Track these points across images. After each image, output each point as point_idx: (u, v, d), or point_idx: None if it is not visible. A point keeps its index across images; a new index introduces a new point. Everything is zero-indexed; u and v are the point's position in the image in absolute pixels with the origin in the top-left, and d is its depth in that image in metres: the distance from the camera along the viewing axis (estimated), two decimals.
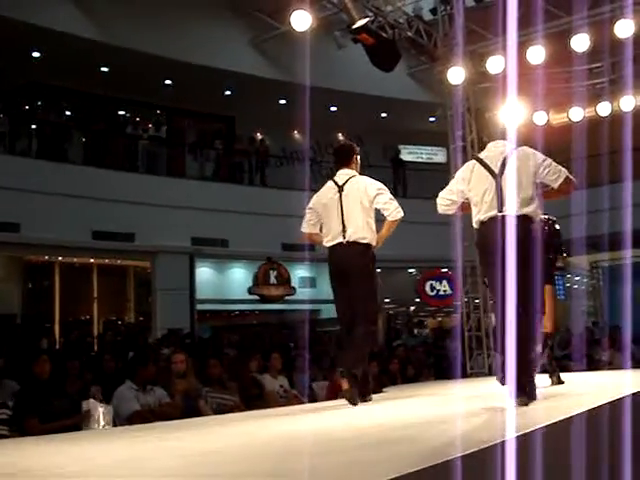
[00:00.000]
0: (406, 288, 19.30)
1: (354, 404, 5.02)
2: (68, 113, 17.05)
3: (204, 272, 16.49)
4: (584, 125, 13.57)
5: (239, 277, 17.35)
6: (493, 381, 6.33)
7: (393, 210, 5.33)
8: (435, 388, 7.28)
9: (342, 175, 5.52)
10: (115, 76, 16.00)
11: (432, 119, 18.08)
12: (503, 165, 4.54)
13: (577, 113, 13.62)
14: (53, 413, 5.61)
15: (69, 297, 15.18)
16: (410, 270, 19.79)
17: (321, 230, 5.56)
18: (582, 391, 5.56)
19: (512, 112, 5.12)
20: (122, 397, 6.19)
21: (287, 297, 17.49)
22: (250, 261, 17.07)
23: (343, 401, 5.16)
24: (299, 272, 17.70)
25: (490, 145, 4.76)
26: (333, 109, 18.23)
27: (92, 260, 14.93)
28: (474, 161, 4.75)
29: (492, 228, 4.43)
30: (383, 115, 18.89)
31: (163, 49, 15.20)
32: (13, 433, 5.43)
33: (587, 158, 12.03)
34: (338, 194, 5.39)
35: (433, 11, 14.03)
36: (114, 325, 15.92)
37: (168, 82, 16.65)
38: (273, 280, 17.17)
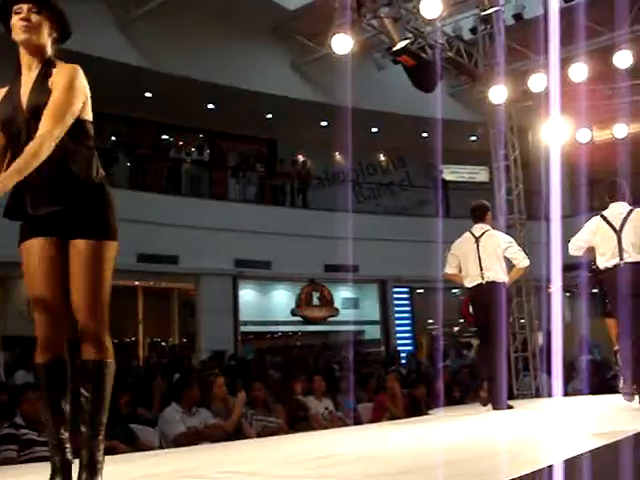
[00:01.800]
0: (450, 308, 19.13)
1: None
2: (113, 138, 17.39)
3: (247, 294, 16.56)
4: (628, 142, 13.40)
5: (282, 299, 17.38)
6: (543, 401, 6.24)
7: (521, 259, 6.75)
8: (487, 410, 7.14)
9: (478, 228, 6.86)
10: (159, 101, 16.26)
11: (473, 138, 18.03)
12: (623, 223, 5.76)
13: (621, 130, 13.45)
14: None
15: (115, 319, 15.31)
16: (453, 290, 19.64)
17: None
18: None
19: (555, 130, 5.34)
20: (168, 419, 6.24)
21: (330, 318, 17.47)
22: (293, 283, 17.11)
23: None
24: (342, 293, 17.68)
25: (612, 205, 5.93)
26: (374, 130, 18.26)
27: (137, 282, 15.09)
28: (599, 217, 5.95)
29: (615, 272, 5.70)
30: (424, 135, 18.88)
31: (206, 74, 15.41)
32: None
33: (632, 175, 11.87)
34: (475, 244, 6.74)
35: (473, 30, 13.99)
36: (159, 347, 16.04)
37: (211, 106, 16.86)
38: (316, 301, 17.17)
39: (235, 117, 16.76)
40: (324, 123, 17.37)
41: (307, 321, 17.31)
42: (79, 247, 2.78)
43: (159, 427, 6.25)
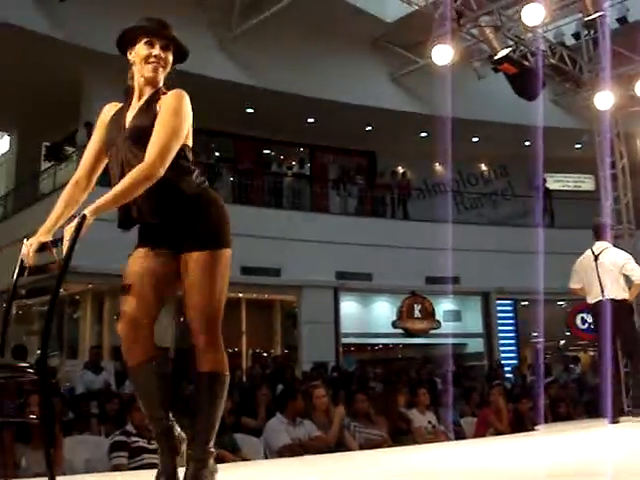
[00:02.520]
0: (555, 321, 18.61)
1: None
2: (217, 154, 17.86)
3: (348, 306, 16.61)
4: None
5: (383, 311, 17.34)
6: None
7: (637, 275, 6.80)
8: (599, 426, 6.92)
9: (597, 246, 7.00)
10: (260, 116, 16.59)
11: (578, 146, 17.52)
12: None
13: None
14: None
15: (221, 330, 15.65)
16: (559, 302, 19.08)
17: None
18: None
19: None
20: (273, 430, 6.32)
21: (432, 331, 17.30)
22: (394, 295, 17.05)
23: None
24: (444, 306, 17.48)
25: None
26: (475, 139, 18.03)
27: (241, 295, 15.38)
28: None
29: None
30: (527, 143, 18.49)
31: (305, 89, 15.63)
32: None
33: None
34: (594, 262, 6.90)
35: (576, 36, 13.67)
36: (261, 358, 16.27)
37: (311, 120, 17.07)
38: (417, 314, 17.04)
39: (335, 130, 16.90)
40: (424, 134, 17.28)
41: (408, 333, 17.19)
42: (191, 260, 2.81)
43: (264, 437, 6.34)
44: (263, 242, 14.20)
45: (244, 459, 5.92)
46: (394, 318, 16.96)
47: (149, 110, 2.87)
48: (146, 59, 2.90)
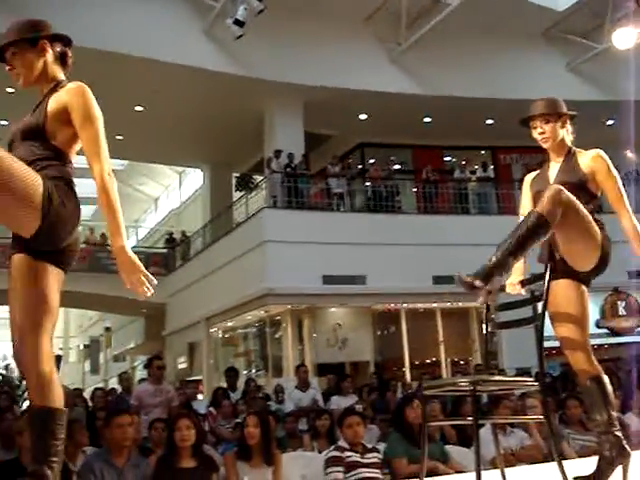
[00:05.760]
0: None
1: None
2: (397, 167, 17.99)
3: None
4: None
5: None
6: None
7: None
8: None
9: None
10: (438, 124, 16.55)
11: None
12: None
13: None
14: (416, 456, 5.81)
15: (416, 341, 15.68)
16: None
17: None
18: None
19: None
20: (483, 440, 6.22)
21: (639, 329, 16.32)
22: (595, 292, 16.21)
23: None
24: None
25: None
26: None
27: (435, 304, 15.33)
28: None
29: None
30: None
31: (482, 90, 15.43)
32: (385, 475, 5.72)
33: None
34: None
35: None
36: (460, 366, 16.09)
37: (490, 122, 16.78)
38: (622, 311, 16.14)
39: (515, 129, 16.41)
40: (610, 122, 16.45)
41: (613, 333, 16.31)
42: None
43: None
44: (453, 250, 14.08)
45: (457, 471, 5.88)
46: (597, 317, 16.16)
47: (570, 166, 3.66)
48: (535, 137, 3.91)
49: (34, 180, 2.50)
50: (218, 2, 13.65)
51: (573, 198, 3.15)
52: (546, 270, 3.29)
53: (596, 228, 3.32)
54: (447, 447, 6.33)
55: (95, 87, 2.75)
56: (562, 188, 3.12)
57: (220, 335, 17.75)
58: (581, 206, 3.19)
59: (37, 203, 2.48)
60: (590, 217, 3.31)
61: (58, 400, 2.51)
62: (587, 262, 3.37)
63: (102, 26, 12.75)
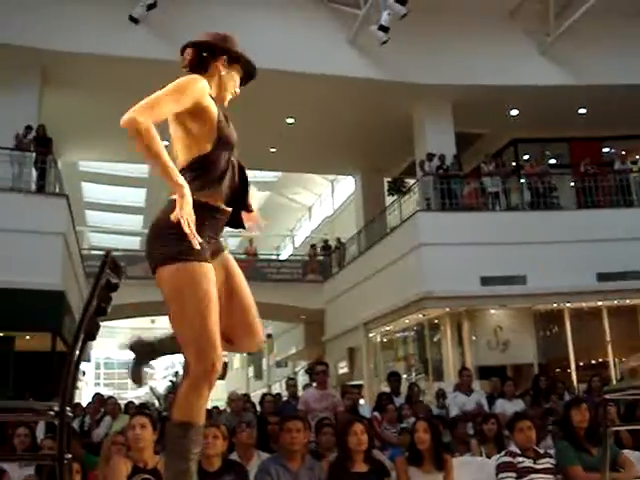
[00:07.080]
0: None
1: None
2: (553, 161, 17.42)
3: None
4: None
5: None
6: None
7: None
8: None
9: None
10: (594, 115, 15.90)
11: None
12: None
13: None
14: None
15: (582, 342, 15.11)
16: None
17: None
18: None
19: None
20: None
21: None
22: None
23: None
24: None
25: None
26: None
27: (600, 302, 14.69)
28: None
29: None
30: None
31: (637, 76, 14.71)
32: None
33: None
34: None
35: None
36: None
37: None
38: None
39: None
40: None
41: None
42: None
43: None
44: (619, 245, 13.48)
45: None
46: None
47: None
48: None
49: None
50: (361, 11, 13.83)
51: None
52: None
53: None
54: (624, 451, 6.06)
55: (247, 103, 2.87)
56: None
57: (379, 339, 17.86)
58: None
59: None
60: None
61: None
62: None
63: (257, 45, 13.19)
